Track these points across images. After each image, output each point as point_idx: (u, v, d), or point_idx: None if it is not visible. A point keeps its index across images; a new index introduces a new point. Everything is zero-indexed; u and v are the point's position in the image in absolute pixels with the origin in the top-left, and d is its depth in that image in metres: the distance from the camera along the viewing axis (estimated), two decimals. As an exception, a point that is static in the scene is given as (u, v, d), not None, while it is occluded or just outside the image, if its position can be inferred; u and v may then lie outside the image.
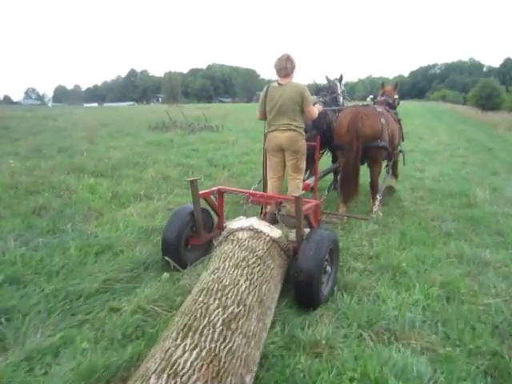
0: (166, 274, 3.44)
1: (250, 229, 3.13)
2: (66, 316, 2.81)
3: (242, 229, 3.15)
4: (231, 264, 2.64)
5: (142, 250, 3.83)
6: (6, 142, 10.00)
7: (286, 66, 3.88)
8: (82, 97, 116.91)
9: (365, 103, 6.08)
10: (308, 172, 5.50)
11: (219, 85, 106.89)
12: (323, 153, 5.99)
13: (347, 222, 4.77)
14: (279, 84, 3.95)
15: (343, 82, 6.34)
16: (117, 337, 2.57)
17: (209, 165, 8.12)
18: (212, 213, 3.91)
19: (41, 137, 10.99)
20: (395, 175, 6.31)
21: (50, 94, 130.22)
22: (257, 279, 2.56)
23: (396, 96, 6.19)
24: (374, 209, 4.89)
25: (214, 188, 3.89)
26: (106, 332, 2.64)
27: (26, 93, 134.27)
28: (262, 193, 3.79)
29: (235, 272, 2.55)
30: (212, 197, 3.82)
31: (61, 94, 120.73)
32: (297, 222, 3.00)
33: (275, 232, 3.18)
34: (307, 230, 3.23)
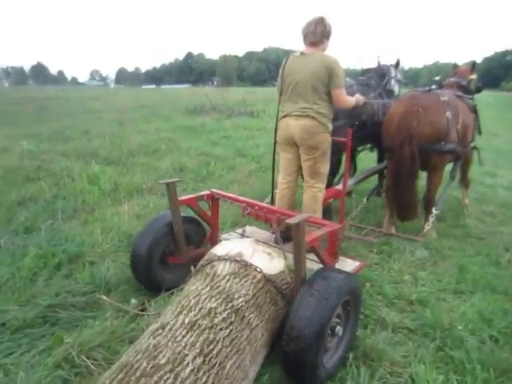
0: (133, 301, 2.64)
1: (237, 260, 2.20)
2: (-24, 359, 2.09)
3: (225, 258, 2.23)
4: (186, 321, 1.75)
5: (114, 263, 3.06)
6: (36, 122, 9.78)
7: (314, 30, 2.82)
8: (141, 79, 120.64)
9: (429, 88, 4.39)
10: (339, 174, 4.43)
11: (274, 68, 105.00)
12: (361, 150, 4.84)
13: (387, 243, 3.68)
14: (302, 54, 2.91)
15: (399, 67, 5.12)
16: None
17: (236, 155, 7.23)
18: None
19: (73, 118, 10.68)
20: (466, 183, 4.85)
21: (112, 75, 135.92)
22: (218, 353, 1.65)
23: (473, 76, 4.70)
24: (426, 227, 3.73)
25: (203, 192, 2.98)
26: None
27: (91, 74, 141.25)
28: (262, 204, 2.82)
29: (186, 338, 1.65)
30: (199, 203, 2.93)
31: (122, 76, 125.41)
32: (295, 259, 2.02)
33: (274, 264, 2.25)
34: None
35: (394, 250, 3.54)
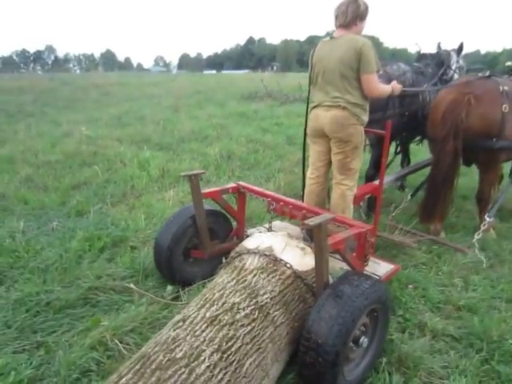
0: (169, 288, 2.69)
1: (266, 254, 2.14)
2: (22, 334, 2.25)
3: (254, 252, 2.18)
4: (207, 315, 1.73)
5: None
6: (99, 108, 10.32)
7: (345, 11, 2.57)
8: (202, 64, 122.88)
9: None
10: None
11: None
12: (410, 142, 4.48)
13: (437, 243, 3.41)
14: (331, 38, 2.69)
15: (462, 53, 4.66)
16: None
17: (286, 143, 7.10)
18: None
19: (131, 104, 11.12)
20: None
21: (175, 61, 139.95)
22: (237, 350, 1.61)
23: None
24: (476, 237, 3.30)
25: (228, 185, 2.91)
26: (51, 369, 2.00)
27: (155, 61, 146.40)
28: (289, 200, 2.66)
29: (205, 333, 1.63)
30: (223, 196, 2.85)
31: (184, 62, 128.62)
32: (316, 263, 1.91)
33: (306, 261, 2.16)
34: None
35: (444, 250, 3.28)
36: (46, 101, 11.12)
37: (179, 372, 1.44)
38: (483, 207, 3.47)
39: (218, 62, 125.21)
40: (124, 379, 1.42)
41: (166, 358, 1.49)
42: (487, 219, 3.34)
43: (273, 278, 2.02)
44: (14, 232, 3.34)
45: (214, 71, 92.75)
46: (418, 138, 4.51)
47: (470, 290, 2.73)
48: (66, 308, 2.45)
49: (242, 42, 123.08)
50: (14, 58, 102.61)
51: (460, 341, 2.27)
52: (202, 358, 1.52)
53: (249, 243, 2.30)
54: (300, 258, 2.19)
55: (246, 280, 1.97)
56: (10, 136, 6.71)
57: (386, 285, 2.03)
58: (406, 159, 4.88)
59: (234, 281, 1.97)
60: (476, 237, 3.25)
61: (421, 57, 4.61)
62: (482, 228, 3.32)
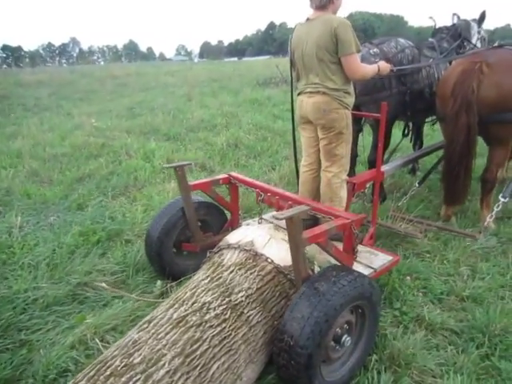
0: (159, 283, 2.63)
1: (246, 249, 2.03)
2: (7, 333, 2.23)
3: (234, 246, 2.07)
4: (174, 316, 1.64)
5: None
6: (112, 99, 10.37)
7: None
8: (223, 52, 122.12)
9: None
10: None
11: (360, 35, 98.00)
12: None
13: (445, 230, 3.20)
14: (307, 20, 2.51)
15: (486, 25, 4.33)
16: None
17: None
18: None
19: (145, 94, 11.11)
20: None
21: (196, 50, 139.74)
22: (203, 353, 1.52)
23: None
24: (488, 220, 3.09)
25: (219, 176, 2.80)
26: (30, 369, 1.98)
27: (177, 50, 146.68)
28: (277, 190, 2.54)
29: (169, 335, 1.55)
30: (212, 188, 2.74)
31: (205, 50, 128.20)
32: (292, 257, 1.77)
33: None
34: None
35: (452, 237, 3.08)
36: (64, 94, 11.27)
37: (134, 379, 1.37)
38: (489, 189, 3.20)
39: (239, 48, 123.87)
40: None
41: (123, 364, 1.42)
42: (501, 199, 3.09)
43: (251, 274, 1.91)
44: (11, 227, 3.36)
45: (235, 58, 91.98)
46: (430, 118, 4.24)
47: (476, 278, 2.55)
48: (53, 305, 2.42)
49: (263, 28, 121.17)
50: (41, 51, 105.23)
51: (460, 335, 2.12)
52: (162, 362, 1.44)
53: (232, 237, 2.20)
54: (285, 252, 2.05)
55: (221, 277, 1.87)
56: (22, 130, 6.80)
57: (369, 279, 1.86)
58: (417, 142, 4.61)
59: (209, 278, 1.88)
60: (488, 219, 3.03)
61: (436, 31, 4.30)
62: (496, 209, 3.08)
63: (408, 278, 2.52)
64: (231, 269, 1.92)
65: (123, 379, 1.36)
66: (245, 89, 11.83)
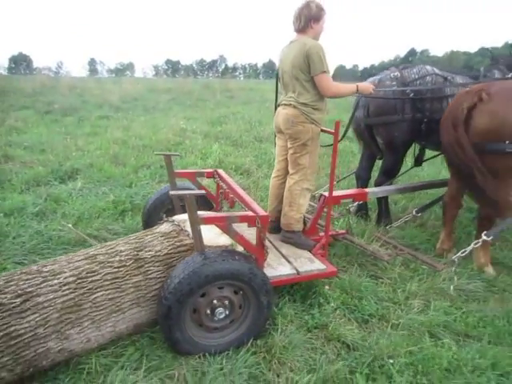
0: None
1: (177, 224, 2.50)
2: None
3: (171, 221, 2.56)
4: (91, 253, 2.19)
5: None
6: (216, 108, 11.64)
7: (298, 16, 2.72)
8: (357, 76, 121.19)
9: None
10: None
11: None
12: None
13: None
14: (290, 42, 2.85)
15: None
16: None
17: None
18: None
19: (243, 106, 12.19)
20: None
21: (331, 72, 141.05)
22: (93, 281, 2.03)
23: None
24: (458, 254, 2.94)
25: (205, 170, 3.28)
26: None
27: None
28: (239, 193, 2.76)
29: (78, 263, 2.10)
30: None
31: (339, 73, 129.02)
32: (192, 231, 2.14)
33: (219, 240, 2.40)
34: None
35: (428, 269, 3.01)
36: (180, 100, 13.11)
37: (36, 278, 1.95)
38: (481, 224, 3.05)
39: (373, 73, 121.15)
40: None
41: (36, 269, 2.02)
42: (484, 237, 2.91)
43: (167, 242, 2.36)
44: (73, 189, 4.38)
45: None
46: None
47: (421, 313, 2.52)
48: (62, 244, 3.21)
49: (403, 54, 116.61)
50: (194, 66, 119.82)
51: (351, 351, 2.20)
52: (59, 276, 1.99)
53: (180, 216, 2.67)
54: (214, 236, 2.44)
55: (143, 238, 2.36)
56: (130, 125, 8.29)
57: (251, 266, 2.12)
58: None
59: (135, 236, 2.39)
60: (459, 254, 2.90)
61: (494, 58, 4.08)
62: (472, 245, 2.92)
63: (327, 287, 2.63)
64: (155, 235, 2.40)
65: (29, 276, 1.95)
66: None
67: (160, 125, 8.30)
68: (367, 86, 2.91)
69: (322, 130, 2.86)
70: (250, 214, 2.32)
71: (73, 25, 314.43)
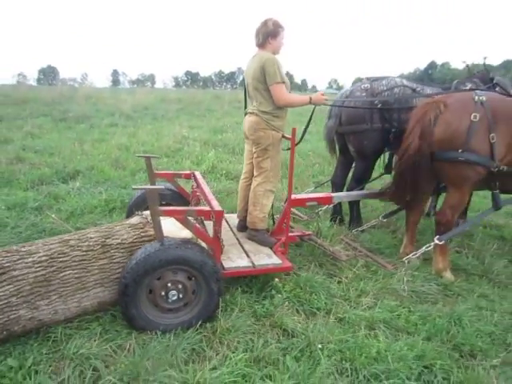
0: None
1: (143, 217, 2.80)
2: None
3: (140, 214, 2.86)
4: (65, 238, 2.49)
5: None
6: (222, 117, 12.05)
7: (257, 33, 3.05)
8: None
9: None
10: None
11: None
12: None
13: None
14: (253, 56, 3.16)
15: None
16: None
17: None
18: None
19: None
20: None
21: (349, 84, 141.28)
22: (62, 262, 2.33)
23: None
24: (416, 252, 3.17)
25: (183, 171, 3.61)
26: None
27: (329, 83, 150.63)
28: (207, 196, 2.98)
29: (53, 246, 2.40)
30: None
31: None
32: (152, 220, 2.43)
33: (180, 233, 2.66)
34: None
35: (387, 272, 3.21)
36: (189, 110, 13.62)
37: (13, 256, 2.26)
38: (441, 231, 3.20)
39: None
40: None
41: (15, 249, 2.34)
42: (436, 241, 3.12)
43: (133, 232, 2.65)
44: (72, 188, 4.76)
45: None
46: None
47: (368, 309, 2.73)
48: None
49: (423, 66, 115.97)
50: (213, 77, 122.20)
51: (289, 337, 2.42)
52: (34, 255, 2.30)
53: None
54: (176, 230, 2.71)
55: (113, 228, 2.67)
56: (136, 131, 8.72)
57: (203, 256, 2.38)
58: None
59: (107, 227, 2.70)
60: (410, 256, 3.11)
61: (471, 75, 4.28)
62: (424, 248, 3.13)
63: (277, 279, 2.87)
64: (124, 225, 2.70)
65: (8, 254, 2.26)
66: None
67: (164, 132, 8.72)
68: (319, 97, 3.17)
69: (282, 136, 3.13)
70: (206, 208, 2.61)
71: (99, 37, 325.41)
